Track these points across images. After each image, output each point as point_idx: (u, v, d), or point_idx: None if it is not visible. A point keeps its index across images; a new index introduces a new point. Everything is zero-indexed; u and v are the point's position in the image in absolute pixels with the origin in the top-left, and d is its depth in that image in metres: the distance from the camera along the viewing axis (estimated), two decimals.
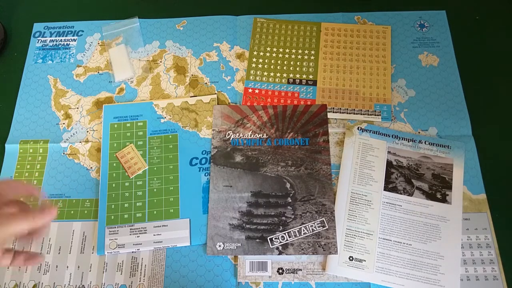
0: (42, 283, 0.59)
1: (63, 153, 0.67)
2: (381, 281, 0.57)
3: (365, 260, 0.58)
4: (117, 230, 0.61)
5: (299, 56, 0.72)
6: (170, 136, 0.67)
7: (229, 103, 0.69)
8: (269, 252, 0.58)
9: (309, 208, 0.61)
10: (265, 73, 0.71)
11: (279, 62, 0.72)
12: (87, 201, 0.64)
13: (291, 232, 0.59)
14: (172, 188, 0.63)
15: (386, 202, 0.61)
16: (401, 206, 0.61)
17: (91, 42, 0.76)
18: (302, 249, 0.58)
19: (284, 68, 0.71)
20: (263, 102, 0.69)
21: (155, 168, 0.65)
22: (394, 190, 0.62)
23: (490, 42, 0.73)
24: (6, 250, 0.44)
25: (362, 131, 0.66)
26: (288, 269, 0.58)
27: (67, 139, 0.68)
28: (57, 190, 0.65)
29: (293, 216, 0.60)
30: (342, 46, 0.72)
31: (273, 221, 0.60)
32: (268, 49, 0.73)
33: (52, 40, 0.76)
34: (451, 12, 0.75)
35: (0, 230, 0.40)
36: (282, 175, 0.63)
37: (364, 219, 0.60)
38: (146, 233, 0.61)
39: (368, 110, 0.67)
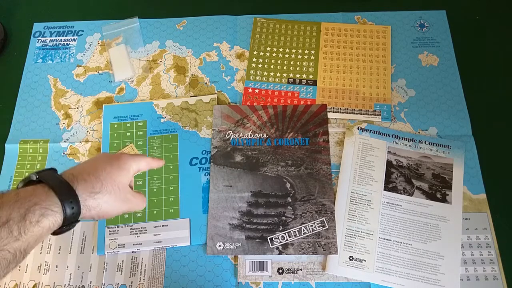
0: (42, 283, 0.59)
1: (63, 153, 0.67)
2: (381, 281, 0.57)
3: (365, 260, 0.58)
4: (117, 230, 0.61)
5: (299, 56, 0.72)
6: (170, 136, 0.67)
7: (229, 103, 0.69)
8: (269, 252, 0.58)
9: (309, 208, 0.61)
10: (265, 73, 0.71)
11: (279, 62, 0.72)
12: None
13: (291, 232, 0.59)
14: (172, 188, 0.63)
15: (386, 202, 0.61)
16: (401, 206, 0.61)
17: (91, 42, 0.76)
18: (302, 249, 0.58)
19: (284, 68, 0.71)
20: (263, 102, 0.69)
21: (155, 168, 0.65)
22: (394, 190, 0.62)
23: (490, 42, 0.73)
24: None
25: (362, 131, 0.66)
26: (288, 269, 0.58)
27: (67, 139, 0.68)
28: None
29: (293, 216, 0.60)
30: (342, 46, 0.72)
31: (273, 221, 0.60)
32: (268, 49, 0.73)
33: (52, 40, 0.76)
34: (451, 12, 0.75)
35: (133, 162, 0.49)
36: (282, 175, 0.63)
37: (364, 219, 0.60)
38: (146, 233, 0.61)
39: (368, 110, 0.67)
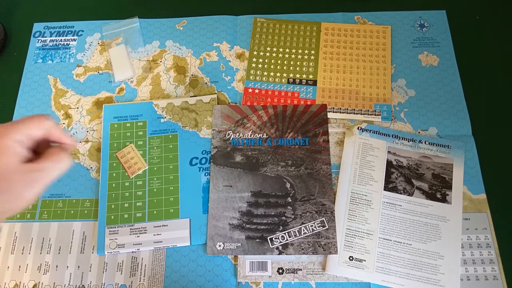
0: (42, 283, 0.59)
1: None
2: (381, 281, 0.57)
3: (365, 260, 0.58)
4: (117, 230, 0.61)
5: (299, 56, 0.72)
6: (170, 136, 0.67)
7: (229, 103, 0.69)
8: (269, 252, 0.58)
9: (309, 208, 0.61)
10: (265, 73, 0.71)
11: (279, 62, 0.72)
12: (87, 201, 0.64)
13: (291, 232, 0.59)
14: (172, 188, 0.63)
15: (386, 202, 0.61)
16: (401, 206, 0.61)
17: (91, 42, 0.76)
18: (302, 249, 0.58)
19: (284, 68, 0.71)
20: (263, 102, 0.69)
21: (155, 168, 0.65)
22: (394, 190, 0.62)
23: (490, 42, 0.73)
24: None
25: (362, 131, 0.66)
26: (288, 269, 0.58)
27: None
28: (57, 190, 0.65)
29: (293, 216, 0.60)
30: (342, 46, 0.72)
31: (273, 221, 0.60)
32: (268, 49, 0.73)
33: (52, 40, 0.76)
34: (451, 12, 0.75)
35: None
36: (282, 175, 0.63)
37: (364, 219, 0.60)
38: (146, 233, 0.61)
39: (368, 110, 0.67)
